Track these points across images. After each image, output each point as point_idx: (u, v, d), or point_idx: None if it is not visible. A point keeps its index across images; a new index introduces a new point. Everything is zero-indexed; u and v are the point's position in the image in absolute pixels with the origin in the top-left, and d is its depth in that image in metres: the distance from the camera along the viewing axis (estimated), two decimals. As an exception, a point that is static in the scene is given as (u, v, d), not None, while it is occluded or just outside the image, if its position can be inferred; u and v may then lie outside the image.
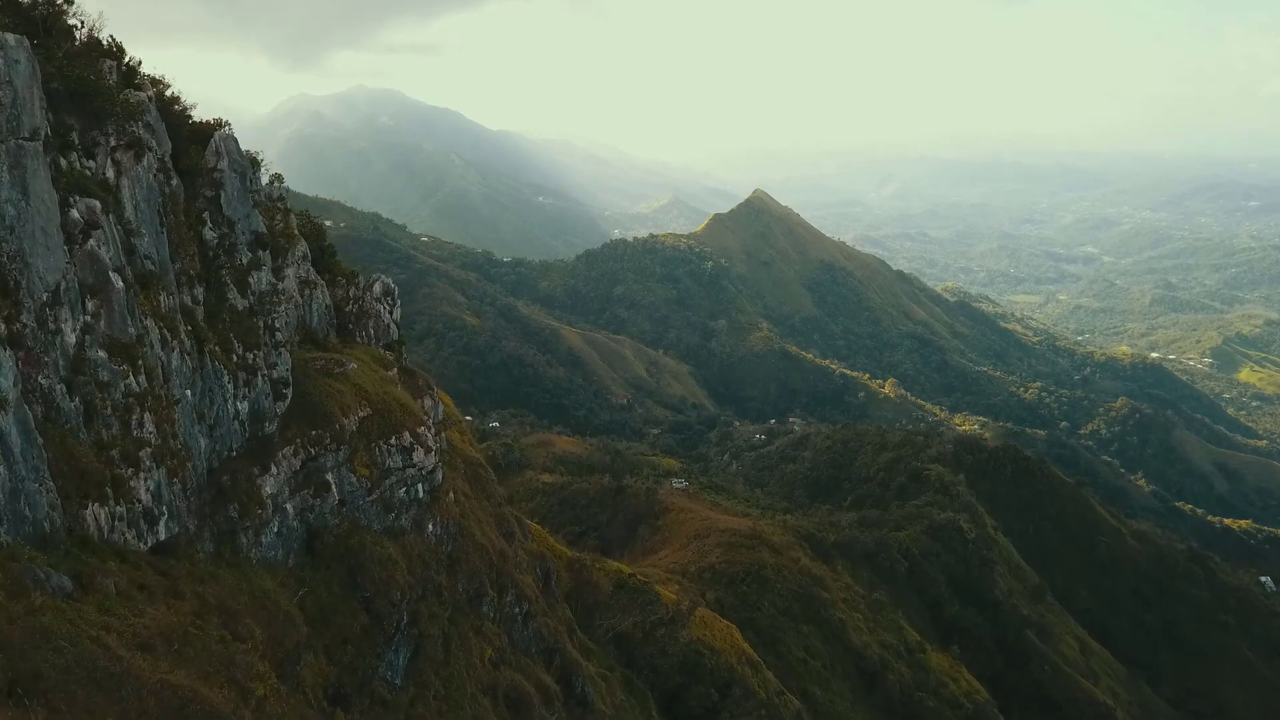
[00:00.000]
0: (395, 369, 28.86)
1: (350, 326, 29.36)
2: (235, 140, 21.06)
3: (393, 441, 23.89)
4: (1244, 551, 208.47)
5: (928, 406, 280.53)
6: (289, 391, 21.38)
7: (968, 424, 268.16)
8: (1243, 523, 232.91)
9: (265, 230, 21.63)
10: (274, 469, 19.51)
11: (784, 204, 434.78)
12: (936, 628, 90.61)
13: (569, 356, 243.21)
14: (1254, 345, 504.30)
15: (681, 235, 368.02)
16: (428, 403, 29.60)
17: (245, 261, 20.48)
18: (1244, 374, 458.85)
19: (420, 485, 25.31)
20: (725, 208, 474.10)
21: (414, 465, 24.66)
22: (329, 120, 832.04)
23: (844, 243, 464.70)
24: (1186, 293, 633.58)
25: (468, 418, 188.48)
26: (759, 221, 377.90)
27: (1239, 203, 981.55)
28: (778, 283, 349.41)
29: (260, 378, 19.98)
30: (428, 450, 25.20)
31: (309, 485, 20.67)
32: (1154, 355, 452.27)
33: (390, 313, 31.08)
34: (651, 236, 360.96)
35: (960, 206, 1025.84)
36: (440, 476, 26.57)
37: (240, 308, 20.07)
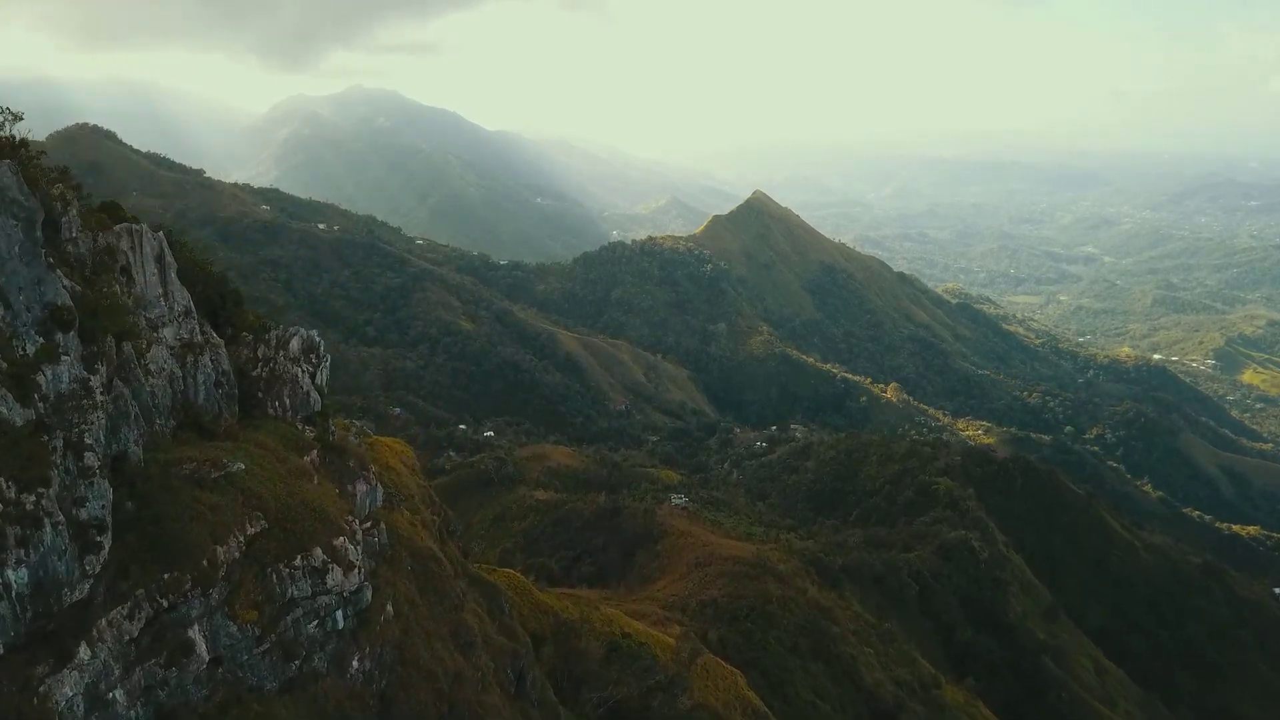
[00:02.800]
0: (315, 451, 23.11)
1: (259, 395, 23.54)
2: (13, 171, 15.30)
3: (298, 563, 18.36)
4: (1253, 559, 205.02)
5: (931, 411, 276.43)
6: (105, 539, 15.31)
7: (971, 429, 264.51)
8: (1251, 529, 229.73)
9: (70, 302, 15.66)
10: (84, 652, 13.86)
11: (783, 204, 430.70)
12: (949, 654, 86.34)
13: (566, 362, 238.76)
14: (1257, 346, 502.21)
15: (680, 237, 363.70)
16: (361, 489, 24.13)
17: (31, 352, 14.58)
18: (1247, 375, 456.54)
19: (340, 612, 19.65)
20: (724, 208, 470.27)
21: (328, 590, 19.11)
22: (326, 121, 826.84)
23: (844, 244, 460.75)
24: (1188, 293, 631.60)
25: (461, 426, 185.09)
26: (759, 223, 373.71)
27: (1239, 202, 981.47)
28: (778, 285, 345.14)
29: (50, 528, 13.90)
30: (349, 567, 19.68)
31: (157, 652, 15.18)
32: (1156, 357, 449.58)
33: (313, 375, 25.38)
34: (650, 239, 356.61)
35: (959, 206, 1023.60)
36: (369, 596, 20.88)
37: (19, 423, 14.16)
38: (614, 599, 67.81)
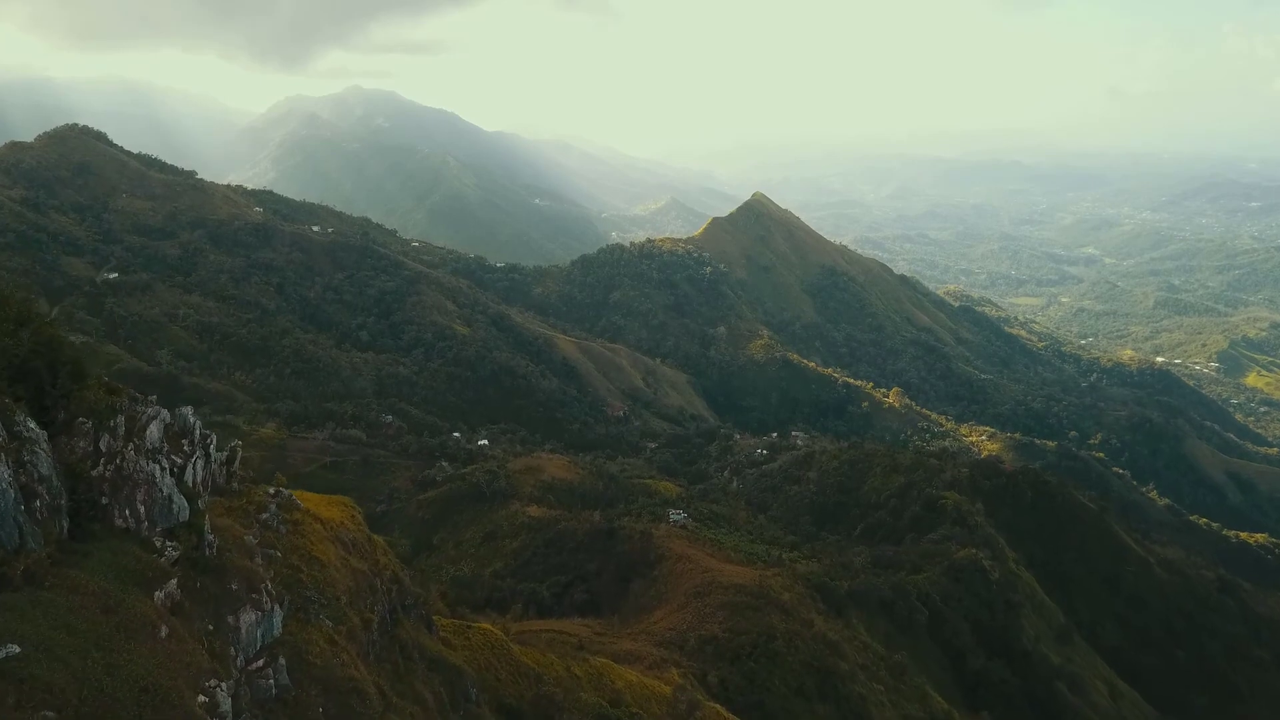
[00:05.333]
0: (174, 580, 17.01)
1: (104, 502, 17.48)
2: None
3: (102, 785, 12.78)
4: (1262, 568, 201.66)
5: (934, 416, 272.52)
6: None
7: (975, 434, 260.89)
8: (1258, 536, 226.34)
9: None
10: None
11: (783, 205, 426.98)
12: (960, 683, 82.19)
13: (563, 367, 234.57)
14: (1260, 349, 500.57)
15: (679, 239, 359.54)
16: (247, 619, 18.38)
17: None
18: (1251, 378, 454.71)
19: (184, 830, 14.17)
20: (723, 209, 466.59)
21: (157, 812, 13.44)
22: (324, 122, 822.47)
23: (845, 246, 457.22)
24: (1190, 295, 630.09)
25: (455, 434, 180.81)
26: (759, 225, 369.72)
27: (1240, 203, 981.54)
28: (778, 288, 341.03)
29: None
30: (200, 767, 14.24)
31: None
32: (1159, 359, 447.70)
33: (186, 469, 19.04)
34: (649, 241, 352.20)
35: (960, 207, 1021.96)
36: (238, 794, 15.75)
37: None
38: (608, 634, 63.76)
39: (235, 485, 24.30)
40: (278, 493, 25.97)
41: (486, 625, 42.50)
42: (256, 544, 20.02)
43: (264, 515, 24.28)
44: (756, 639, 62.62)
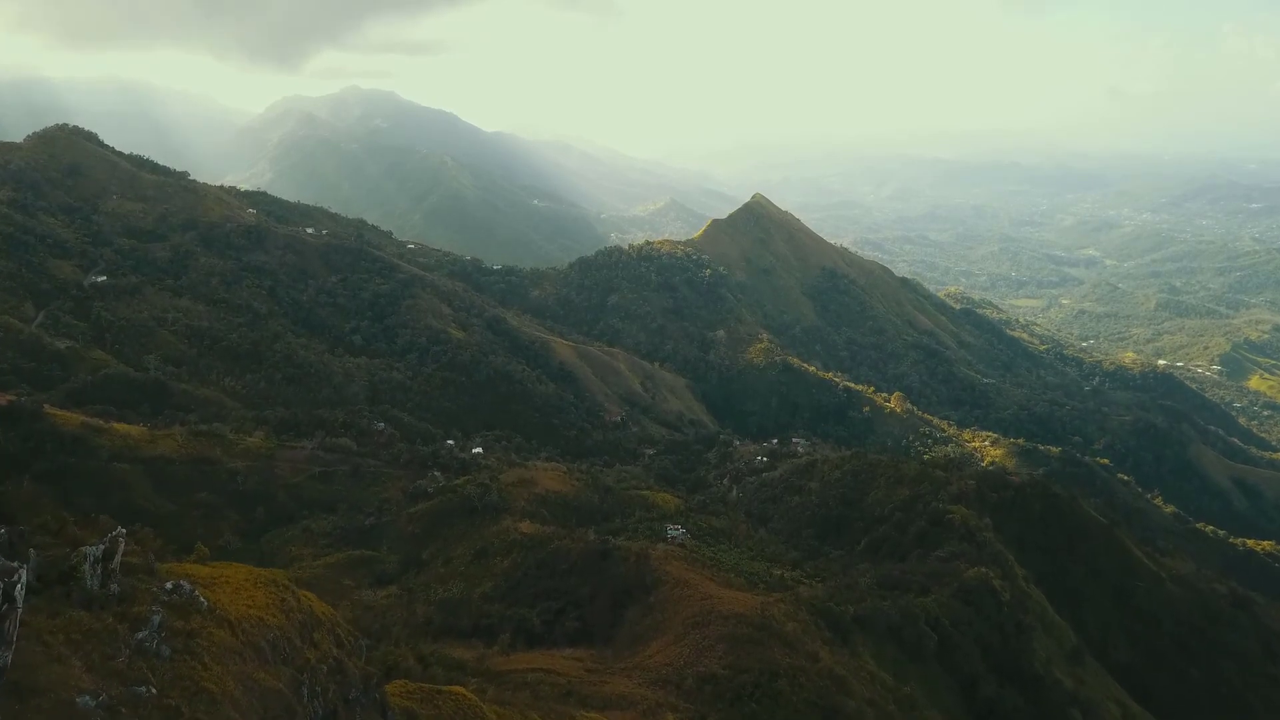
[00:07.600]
0: None
1: None
2: None
3: None
4: (1268, 576, 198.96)
5: (936, 421, 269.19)
6: None
7: (978, 440, 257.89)
8: (1265, 544, 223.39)
9: None
10: None
11: (783, 206, 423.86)
12: (971, 711, 78.73)
13: (560, 371, 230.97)
14: (1262, 351, 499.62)
15: (678, 242, 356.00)
16: None
17: None
18: (1254, 382, 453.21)
19: None
20: (723, 210, 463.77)
21: None
22: (322, 122, 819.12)
23: (845, 248, 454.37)
24: (1191, 297, 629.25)
25: (449, 441, 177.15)
26: (758, 227, 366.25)
27: (1240, 204, 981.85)
28: (778, 291, 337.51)
29: None
30: None
31: None
32: (1161, 362, 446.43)
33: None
34: (647, 243, 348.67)
35: (960, 208, 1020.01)
36: None
37: None
38: (600, 669, 60.19)
39: (113, 588, 19.12)
40: (175, 588, 20.96)
41: (459, 690, 38.73)
42: (96, 704, 15.09)
43: (141, 634, 18.50)
44: (758, 677, 58.85)
